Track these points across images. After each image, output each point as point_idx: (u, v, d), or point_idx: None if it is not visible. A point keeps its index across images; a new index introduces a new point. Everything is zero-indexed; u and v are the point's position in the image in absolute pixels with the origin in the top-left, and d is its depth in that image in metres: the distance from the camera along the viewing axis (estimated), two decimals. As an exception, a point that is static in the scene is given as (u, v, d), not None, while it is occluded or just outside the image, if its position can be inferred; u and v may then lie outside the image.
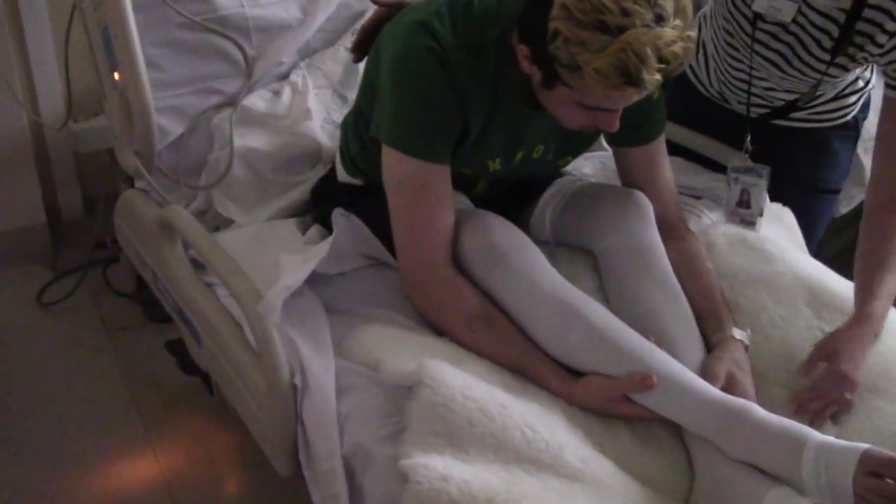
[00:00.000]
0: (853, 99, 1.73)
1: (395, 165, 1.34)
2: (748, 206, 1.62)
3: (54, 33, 2.31)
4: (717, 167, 1.77)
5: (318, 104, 1.81)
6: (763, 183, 1.62)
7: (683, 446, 1.27)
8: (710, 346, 1.37)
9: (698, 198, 1.74)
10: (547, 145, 1.47)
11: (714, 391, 1.25)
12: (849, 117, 1.76)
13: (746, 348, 1.36)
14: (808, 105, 1.69)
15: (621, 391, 1.25)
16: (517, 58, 1.28)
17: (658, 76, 1.15)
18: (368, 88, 1.44)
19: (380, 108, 1.36)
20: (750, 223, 1.62)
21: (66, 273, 2.43)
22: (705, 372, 1.30)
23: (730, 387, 1.28)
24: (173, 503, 1.84)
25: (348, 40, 1.87)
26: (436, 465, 1.12)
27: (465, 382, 1.21)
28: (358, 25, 1.86)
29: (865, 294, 1.38)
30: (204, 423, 2.02)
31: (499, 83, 1.34)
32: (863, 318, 1.35)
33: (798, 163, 1.74)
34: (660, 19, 1.14)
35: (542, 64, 1.23)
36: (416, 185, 1.34)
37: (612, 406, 1.26)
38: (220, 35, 1.71)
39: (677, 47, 1.15)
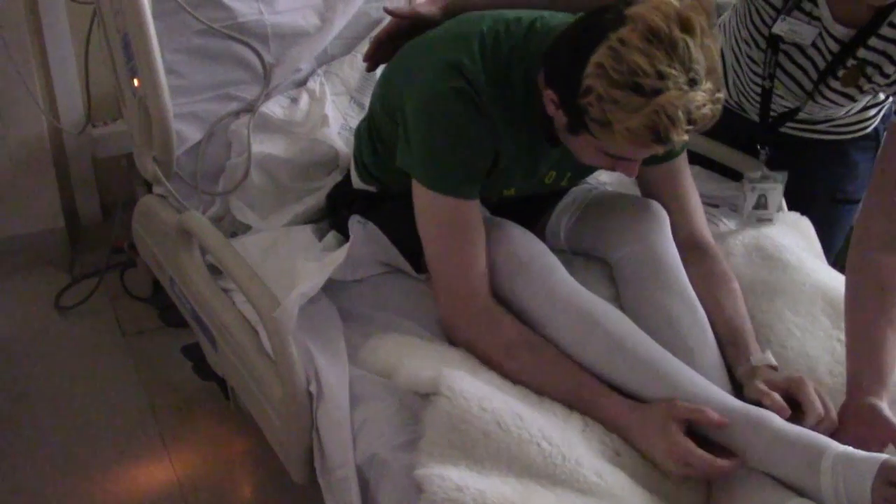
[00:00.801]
0: (873, 112, 1.72)
1: (428, 204, 1.34)
2: (765, 208, 1.61)
3: (74, 39, 2.32)
4: (735, 175, 1.76)
5: (336, 111, 1.82)
6: (780, 186, 1.61)
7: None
8: (735, 378, 1.33)
9: (716, 206, 1.74)
10: (560, 172, 1.47)
11: (732, 399, 1.24)
12: (869, 129, 1.75)
13: (775, 368, 1.33)
14: (828, 119, 1.68)
15: (687, 414, 1.21)
16: (541, 96, 1.28)
17: (686, 136, 1.16)
18: (387, 111, 1.43)
19: (409, 146, 1.35)
20: (767, 220, 1.61)
21: (83, 277, 2.44)
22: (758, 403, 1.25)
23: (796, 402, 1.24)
24: (188, 508, 1.84)
25: (365, 47, 1.86)
26: (451, 476, 1.12)
27: (482, 393, 1.21)
28: (375, 33, 1.87)
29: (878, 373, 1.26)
30: (219, 428, 2.02)
31: (524, 118, 1.34)
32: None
33: (817, 174, 1.73)
34: (693, 83, 1.14)
35: (569, 112, 1.23)
36: (452, 222, 1.34)
37: (668, 439, 1.20)
38: (238, 42, 1.71)
39: (707, 109, 1.15)
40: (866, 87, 1.53)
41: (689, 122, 1.14)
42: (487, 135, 1.32)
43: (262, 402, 1.41)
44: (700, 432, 1.23)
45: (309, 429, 1.29)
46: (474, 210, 1.35)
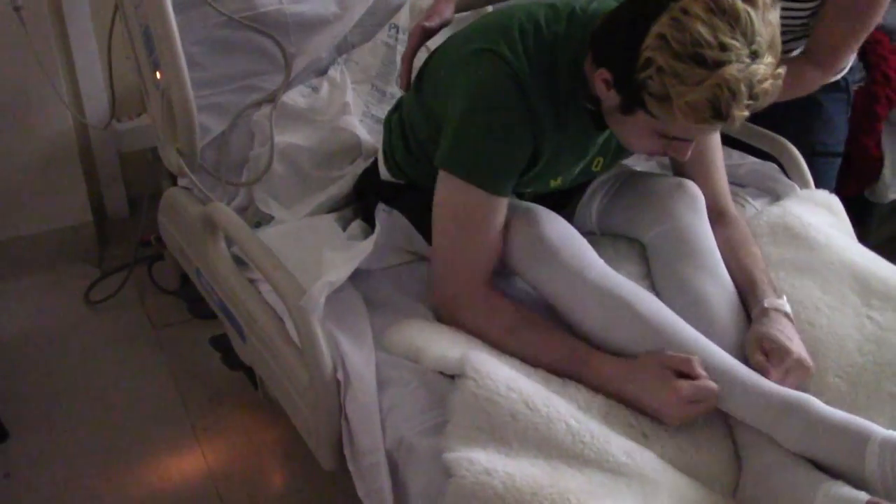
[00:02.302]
0: None
1: (453, 191, 1.32)
2: None
3: (97, 34, 2.34)
4: (763, 154, 1.75)
5: (357, 98, 1.82)
6: None
7: (730, 438, 1.26)
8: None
9: (743, 186, 1.72)
10: (606, 157, 1.46)
11: (767, 383, 1.23)
12: (838, 77, 1.79)
13: (788, 316, 1.33)
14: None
15: (673, 363, 1.23)
16: (588, 82, 1.27)
17: (746, 112, 1.14)
18: (425, 111, 1.41)
19: (447, 136, 1.33)
20: None
21: (112, 271, 2.46)
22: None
23: (766, 361, 1.25)
24: (219, 496, 1.86)
25: (385, 34, 1.87)
26: (479, 459, 1.12)
27: (508, 374, 1.21)
28: (395, 20, 1.87)
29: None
30: (249, 418, 2.04)
31: (569, 108, 1.33)
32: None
33: (794, 127, 1.75)
34: (755, 56, 1.12)
35: (625, 90, 1.21)
36: (476, 215, 1.32)
37: (668, 384, 1.21)
38: (259, 32, 1.71)
39: (768, 84, 1.14)
40: None
41: (751, 96, 1.13)
42: (528, 130, 1.30)
43: (289, 391, 1.42)
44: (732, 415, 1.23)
45: (337, 415, 1.30)
46: (500, 207, 1.33)
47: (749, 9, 1.11)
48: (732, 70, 1.10)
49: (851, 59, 1.78)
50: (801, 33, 1.70)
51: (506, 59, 1.28)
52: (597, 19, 1.28)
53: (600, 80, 1.24)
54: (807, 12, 1.67)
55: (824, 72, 1.69)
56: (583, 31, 1.29)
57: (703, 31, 1.10)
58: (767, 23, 1.13)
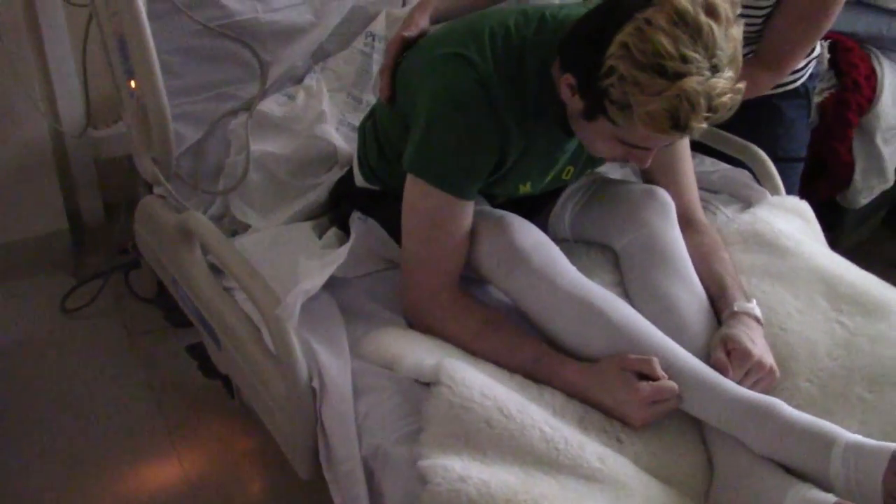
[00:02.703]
0: (801, 64, 1.80)
1: (420, 195, 1.33)
2: None
3: (73, 42, 2.32)
4: (735, 161, 1.77)
5: (333, 106, 1.82)
6: None
7: (702, 443, 1.27)
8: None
9: (715, 192, 1.74)
10: (576, 165, 1.47)
11: (739, 389, 1.24)
12: (798, 84, 1.83)
13: (758, 319, 1.35)
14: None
15: (634, 365, 1.25)
16: (556, 86, 1.28)
17: (704, 124, 1.16)
18: (398, 118, 1.42)
19: (413, 140, 1.34)
20: None
21: (88, 279, 2.44)
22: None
23: (727, 360, 1.27)
24: (197, 505, 1.86)
25: (361, 43, 1.87)
26: (454, 466, 1.13)
27: (483, 381, 1.22)
28: (371, 29, 1.87)
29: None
30: (226, 426, 2.03)
31: (538, 113, 1.34)
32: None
33: (756, 133, 1.77)
34: (715, 69, 1.13)
35: (587, 96, 1.22)
36: (442, 219, 1.33)
37: (629, 386, 1.23)
38: (234, 41, 1.71)
39: (727, 98, 1.15)
40: None
41: (710, 109, 1.14)
42: (494, 133, 1.31)
43: (265, 399, 1.42)
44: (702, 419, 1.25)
45: (313, 424, 1.30)
46: (466, 210, 1.35)
47: (712, 23, 1.13)
48: (692, 82, 1.12)
49: (803, 62, 1.81)
50: (755, 39, 1.73)
51: (473, 64, 1.29)
52: (566, 25, 1.30)
53: (566, 85, 1.25)
54: (761, 19, 1.69)
55: (776, 74, 1.72)
56: (552, 36, 1.31)
57: (666, 42, 1.11)
58: (730, 37, 1.15)
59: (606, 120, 1.21)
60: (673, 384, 1.23)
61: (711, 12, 1.13)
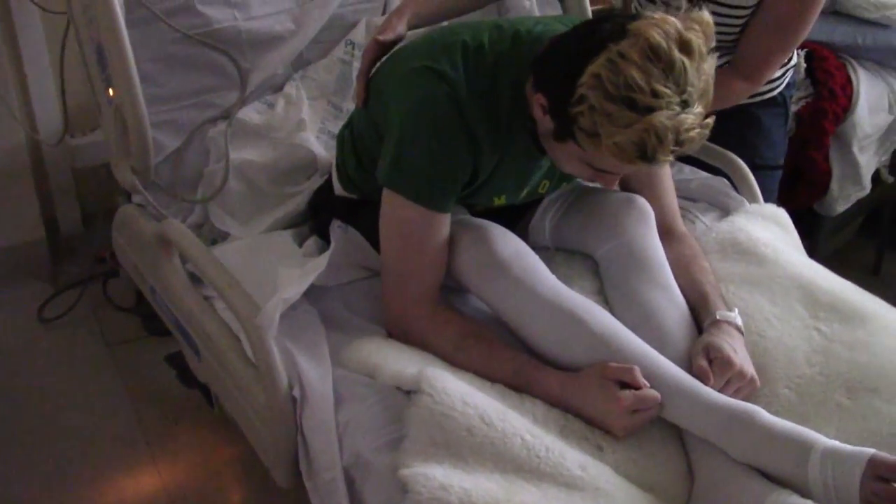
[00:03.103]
0: (778, 74, 1.82)
1: (397, 211, 1.34)
2: None
3: (50, 50, 2.31)
4: (714, 169, 1.78)
5: (313, 115, 1.82)
6: None
7: (683, 451, 1.27)
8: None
9: (694, 200, 1.75)
10: (552, 179, 1.48)
11: (718, 396, 1.25)
12: (775, 93, 1.85)
13: (739, 328, 1.36)
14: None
15: (615, 374, 1.25)
16: (529, 103, 1.28)
17: (671, 157, 1.16)
18: (372, 126, 1.43)
19: (387, 153, 1.34)
20: None
21: (65, 288, 2.43)
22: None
23: (709, 368, 1.27)
24: (176, 516, 1.84)
25: (341, 51, 1.87)
26: (435, 475, 1.12)
27: (465, 389, 1.22)
28: (351, 37, 1.87)
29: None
30: (205, 436, 2.02)
31: (511, 128, 1.34)
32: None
33: (734, 141, 1.78)
34: (686, 105, 1.14)
35: (557, 119, 1.23)
36: (419, 232, 1.34)
37: (610, 395, 1.23)
38: (213, 49, 1.71)
39: (695, 133, 1.15)
40: None
41: (677, 143, 1.14)
42: (467, 148, 1.31)
43: (245, 409, 1.41)
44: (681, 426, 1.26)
45: (293, 433, 1.30)
46: (443, 222, 1.35)
47: (685, 59, 1.13)
48: (662, 117, 1.12)
49: (780, 71, 1.83)
50: (732, 47, 1.74)
51: (445, 78, 1.29)
52: (541, 42, 1.30)
53: (537, 104, 1.25)
54: (738, 28, 1.70)
55: (752, 83, 1.73)
56: (526, 52, 1.31)
57: (637, 76, 1.12)
58: (702, 73, 1.15)
59: (575, 143, 1.22)
60: (654, 392, 1.24)
61: (684, 48, 1.14)
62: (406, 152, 1.32)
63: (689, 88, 1.14)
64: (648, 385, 1.24)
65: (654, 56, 1.12)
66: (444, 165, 1.31)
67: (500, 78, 1.32)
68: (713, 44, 1.18)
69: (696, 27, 1.15)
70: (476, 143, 1.32)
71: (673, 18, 1.15)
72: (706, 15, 1.17)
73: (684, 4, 1.25)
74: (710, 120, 1.18)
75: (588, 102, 1.15)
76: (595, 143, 1.18)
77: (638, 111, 1.12)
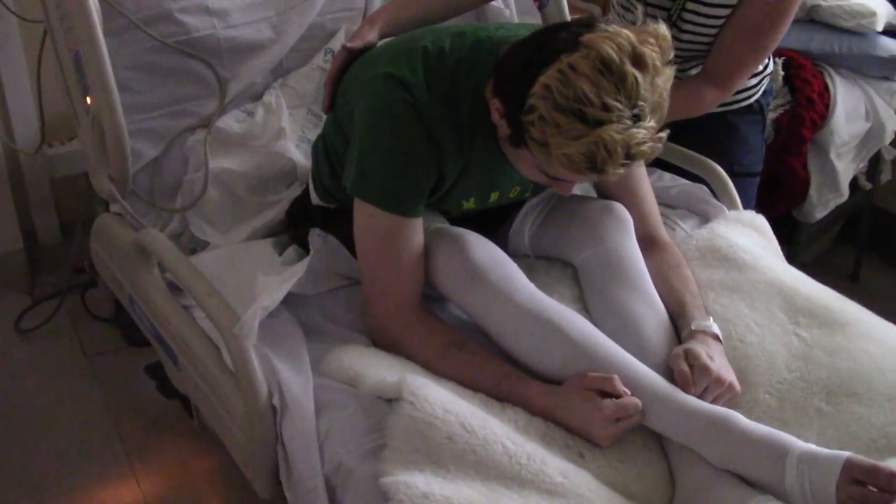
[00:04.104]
0: (754, 81, 1.83)
1: (368, 219, 1.34)
2: None
3: (27, 59, 2.30)
4: (694, 176, 1.79)
5: (293, 123, 1.81)
6: None
7: (664, 457, 1.27)
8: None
9: (674, 207, 1.76)
10: (524, 186, 1.48)
11: (696, 402, 1.25)
12: (752, 100, 1.86)
13: (717, 336, 1.36)
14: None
15: (595, 384, 1.25)
16: (489, 107, 1.28)
17: (622, 170, 1.16)
18: (339, 131, 1.43)
19: (350, 159, 1.35)
20: None
21: (44, 299, 2.41)
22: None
23: (689, 372, 1.27)
24: (156, 528, 1.83)
25: (321, 59, 1.87)
26: (417, 483, 1.12)
27: (446, 397, 1.22)
28: (331, 45, 1.87)
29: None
30: (185, 447, 2.00)
31: (474, 132, 1.34)
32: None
33: (712, 148, 1.80)
34: (637, 118, 1.14)
35: (512, 126, 1.23)
36: (390, 239, 1.34)
37: (592, 404, 1.23)
38: (192, 57, 1.70)
39: (646, 147, 1.15)
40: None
41: (628, 156, 1.14)
42: (430, 153, 1.32)
43: (224, 419, 1.40)
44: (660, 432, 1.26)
45: (273, 442, 1.29)
46: (414, 227, 1.35)
47: (637, 73, 1.13)
48: (612, 131, 1.12)
49: (755, 79, 1.84)
50: (706, 53, 1.74)
51: (405, 84, 1.30)
52: (503, 46, 1.30)
53: (495, 109, 1.26)
54: (712, 37, 1.71)
55: (722, 92, 1.73)
56: (487, 56, 1.31)
57: (588, 89, 1.11)
58: (655, 87, 1.15)
59: (528, 151, 1.22)
60: (636, 400, 1.23)
61: (638, 62, 1.13)
62: (370, 161, 1.32)
63: (641, 103, 1.13)
64: (629, 392, 1.24)
65: (606, 69, 1.12)
66: (409, 171, 1.32)
67: (460, 83, 1.32)
68: (671, 56, 1.18)
69: (652, 41, 1.15)
70: (440, 147, 1.32)
71: (627, 32, 1.14)
72: (662, 28, 1.17)
73: (640, 17, 1.24)
74: (664, 134, 1.18)
75: (538, 112, 1.15)
76: (545, 152, 1.18)
77: (588, 124, 1.12)
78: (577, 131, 1.13)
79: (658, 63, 1.15)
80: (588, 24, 1.18)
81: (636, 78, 1.12)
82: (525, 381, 1.29)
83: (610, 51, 1.12)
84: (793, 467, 1.15)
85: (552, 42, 1.18)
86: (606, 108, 1.12)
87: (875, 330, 1.42)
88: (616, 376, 1.25)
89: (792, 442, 1.18)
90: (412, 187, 1.33)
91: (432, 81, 1.31)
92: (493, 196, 1.47)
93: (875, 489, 1.12)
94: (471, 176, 1.39)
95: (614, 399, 1.23)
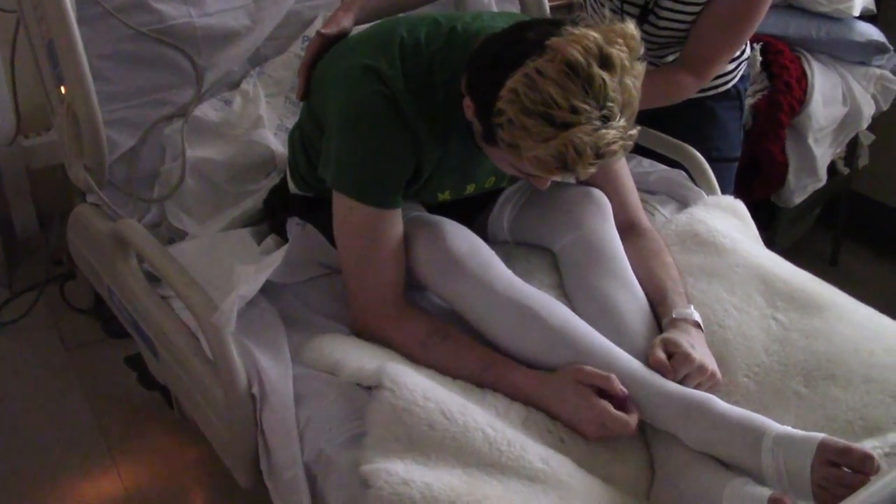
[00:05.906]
0: (732, 67, 1.84)
1: (346, 211, 1.34)
2: None
3: (0, 48, 2.27)
4: (673, 162, 1.79)
5: (271, 111, 1.81)
6: None
7: (644, 443, 1.28)
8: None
9: (653, 193, 1.76)
10: (500, 176, 1.48)
11: (672, 385, 1.25)
12: (729, 86, 1.87)
13: (697, 324, 1.36)
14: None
15: (592, 380, 1.24)
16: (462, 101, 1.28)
17: (593, 169, 1.16)
18: (314, 120, 1.42)
19: (328, 152, 1.34)
20: None
21: (22, 291, 2.40)
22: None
23: (667, 361, 1.27)
24: (138, 519, 1.82)
25: (299, 47, 1.86)
26: (397, 470, 1.12)
27: (426, 384, 1.22)
28: (308, 32, 1.86)
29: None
30: (167, 438, 2.00)
31: (450, 125, 1.34)
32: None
33: (690, 133, 1.80)
34: (606, 119, 1.13)
35: (483, 125, 1.23)
36: (369, 231, 1.33)
37: (585, 401, 1.23)
38: (168, 46, 1.69)
39: (616, 146, 1.15)
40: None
41: (598, 156, 1.14)
42: (406, 144, 1.31)
43: (204, 408, 1.40)
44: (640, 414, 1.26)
45: (253, 431, 1.29)
46: (393, 219, 1.35)
47: (605, 74, 1.12)
48: (580, 132, 1.11)
49: (733, 64, 1.84)
50: (683, 40, 1.74)
51: (382, 77, 1.29)
52: (477, 39, 1.29)
53: (467, 107, 1.26)
54: (688, 26, 1.71)
55: (699, 79, 1.73)
56: (461, 50, 1.31)
57: (555, 92, 1.11)
58: (624, 87, 1.14)
59: (499, 149, 1.22)
60: (632, 423, 1.22)
61: (605, 63, 1.13)
62: (348, 155, 1.32)
63: (610, 104, 1.13)
64: (627, 393, 1.23)
65: (573, 73, 1.12)
66: (386, 163, 1.31)
67: (434, 76, 1.32)
68: (640, 53, 1.17)
69: (619, 41, 1.15)
70: (416, 139, 1.32)
71: (594, 33, 1.14)
72: (630, 27, 1.17)
73: (608, 14, 1.23)
74: (635, 132, 1.18)
75: (507, 116, 1.15)
76: (516, 153, 1.18)
77: (556, 126, 1.12)
78: (545, 134, 1.13)
79: (626, 63, 1.15)
80: (556, 24, 1.18)
81: (604, 80, 1.12)
82: (512, 368, 1.29)
83: (576, 54, 1.12)
84: (768, 449, 1.16)
85: (520, 44, 1.17)
86: (574, 110, 1.11)
87: (853, 313, 1.43)
88: (614, 375, 1.24)
89: (768, 424, 1.19)
90: (391, 180, 1.33)
91: (409, 74, 1.31)
92: (469, 188, 1.47)
93: (849, 470, 1.12)
94: (447, 168, 1.39)
95: (611, 406, 1.22)
